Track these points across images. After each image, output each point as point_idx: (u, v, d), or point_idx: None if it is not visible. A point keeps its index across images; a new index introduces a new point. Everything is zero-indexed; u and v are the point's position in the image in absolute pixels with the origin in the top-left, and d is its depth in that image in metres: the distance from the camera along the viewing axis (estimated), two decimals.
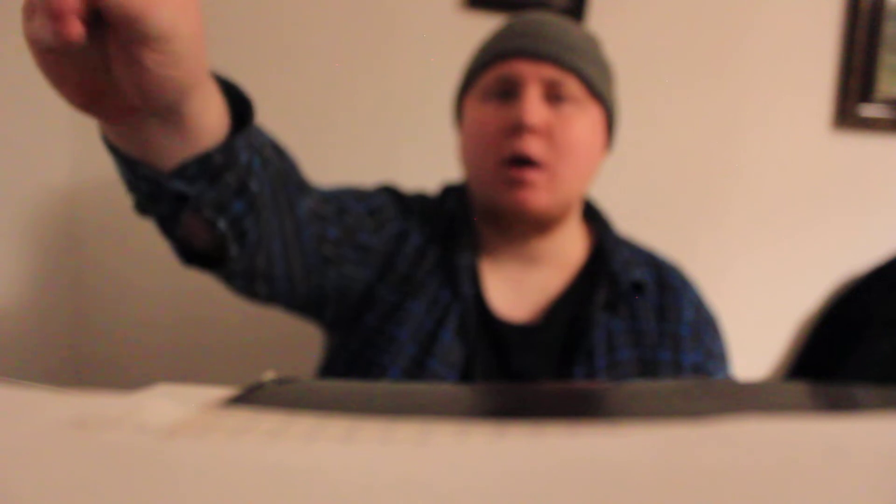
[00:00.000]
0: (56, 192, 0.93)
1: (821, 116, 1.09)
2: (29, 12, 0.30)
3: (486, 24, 1.01)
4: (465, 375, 0.62)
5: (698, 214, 1.08)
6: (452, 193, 0.73)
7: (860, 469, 0.14)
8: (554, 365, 0.64)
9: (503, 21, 0.69)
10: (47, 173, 0.92)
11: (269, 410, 0.19)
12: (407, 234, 0.67)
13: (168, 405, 0.18)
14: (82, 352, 0.98)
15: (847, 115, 1.08)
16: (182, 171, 0.40)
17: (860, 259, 1.12)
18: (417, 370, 0.61)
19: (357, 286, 0.64)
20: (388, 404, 0.24)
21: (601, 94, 0.64)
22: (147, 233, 0.99)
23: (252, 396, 0.23)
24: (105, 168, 0.95)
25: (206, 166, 0.41)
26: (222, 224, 0.44)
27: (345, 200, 0.65)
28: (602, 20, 0.99)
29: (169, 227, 0.45)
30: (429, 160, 0.99)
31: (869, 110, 1.07)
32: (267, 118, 0.97)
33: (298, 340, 0.98)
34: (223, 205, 0.43)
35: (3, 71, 0.80)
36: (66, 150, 0.93)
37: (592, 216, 0.74)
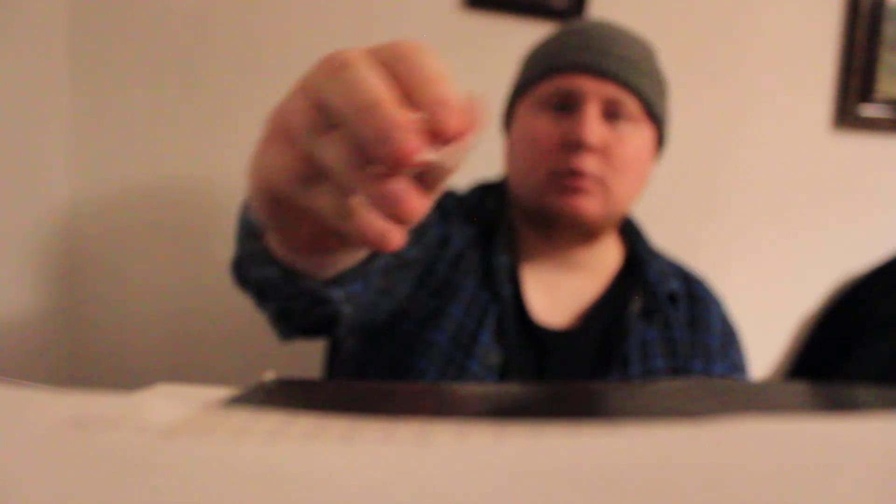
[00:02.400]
0: (56, 192, 0.93)
1: (821, 116, 1.09)
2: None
3: (486, 24, 1.02)
4: (503, 378, 0.62)
5: (699, 214, 1.08)
6: (491, 194, 0.73)
7: (860, 469, 0.14)
8: (589, 371, 0.64)
9: (562, 27, 0.68)
10: (48, 174, 0.92)
11: (269, 410, 0.19)
12: (448, 240, 0.67)
13: (168, 405, 0.18)
14: (82, 352, 0.98)
15: (847, 115, 1.08)
16: (339, 280, 0.40)
17: (860, 259, 1.12)
18: (456, 373, 0.61)
19: (401, 300, 0.64)
20: (388, 404, 0.24)
21: (657, 115, 0.65)
22: (146, 234, 0.99)
23: (252, 396, 0.23)
24: (103, 174, 0.95)
25: (361, 270, 0.41)
26: (348, 309, 0.45)
27: None
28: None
29: (288, 315, 0.46)
30: None
31: (869, 110, 1.07)
32: (267, 114, 0.97)
33: (298, 340, 0.98)
34: (350, 294, 0.44)
35: (3, 82, 0.80)
36: (66, 154, 0.93)
37: (625, 225, 0.74)
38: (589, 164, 0.60)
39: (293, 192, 0.26)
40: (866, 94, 1.07)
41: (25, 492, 0.12)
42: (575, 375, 0.64)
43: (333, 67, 0.24)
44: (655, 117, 0.64)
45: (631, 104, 0.62)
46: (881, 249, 1.11)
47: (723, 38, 1.05)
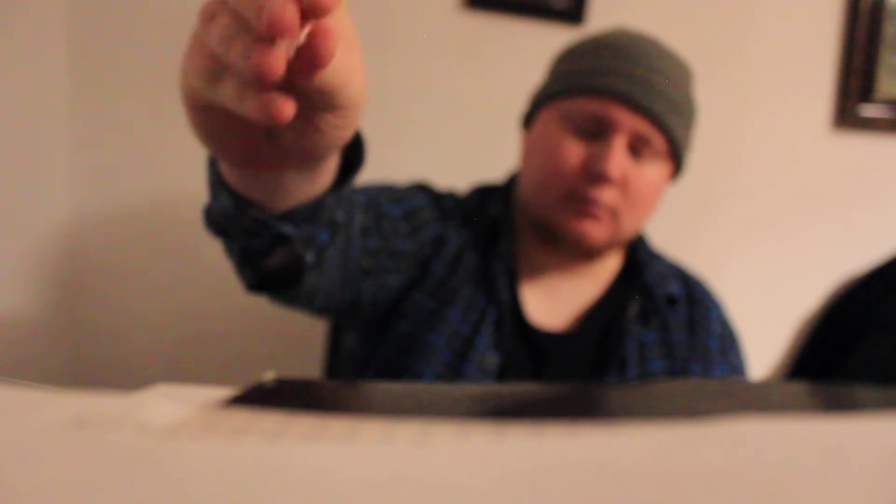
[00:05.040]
0: (58, 195, 0.93)
1: (821, 116, 1.09)
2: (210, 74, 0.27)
3: (486, 24, 1.02)
4: (500, 382, 0.62)
5: (698, 214, 1.08)
6: (493, 197, 0.72)
7: (860, 469, 0.14)
8: (586, 374, 0.64)
9: (606, 36, 0.65)
10: (49, 179, 0.92)
11: (269, 410, 0.19)
12: (444, 239, 0.67)
13: (168, 405, 0.18)
14: (83, 353, 0.98)
15: (847, 115, 1.08)
16: (292, 215, 0.40)
17: (860, 259, 1.12)
18: (453, 376, 0.61)
19: (391, 294, 0.64)
20: (389, 404, 0.24)
21: (680, 152, 0.64)
22: (146, 236, 0.99)
23: (252, 396, 0.23)
24: (104, 179, 0.95)
25: (318, 209, 0.41)
26: (310, 257, 0.45)
27: (382, 205, 0.63)
28: (602, 20, 0.99)
29: (249, 257, 0.45)
30: (428, 160, 0.99)
31: (869, 110, 1.07)
32: None
33: (298, 340, 0.98)
34: (313, 239, 0.44)
35: (5, 93, 0.80)
36: (67, 158, 0.93)
37: None
38: (605, 194, 0.60)
39: (204, 90, 0.28)
40: (866, 94, 1.07)
41: (25, 492, 0.12)
42: (572, 378, 0.64)
43: None
44: (678, 154, 0.64)
45: (658, 142, 0.61)
46: (881, 249, 1.11)
47: (723, 38, 1.05)
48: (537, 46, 0.89)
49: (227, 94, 0.27)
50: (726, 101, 1.05)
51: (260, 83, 0.25)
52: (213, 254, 0.98)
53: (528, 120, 0.69)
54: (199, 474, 0.13)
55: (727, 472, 0.14)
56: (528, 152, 0.68)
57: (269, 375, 0.27)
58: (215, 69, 0.27)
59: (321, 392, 0.28)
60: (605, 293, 0.68)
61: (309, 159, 0.35)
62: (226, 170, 0.39)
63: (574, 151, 0.61)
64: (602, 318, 0.67)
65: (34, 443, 0.15)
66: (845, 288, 1.11)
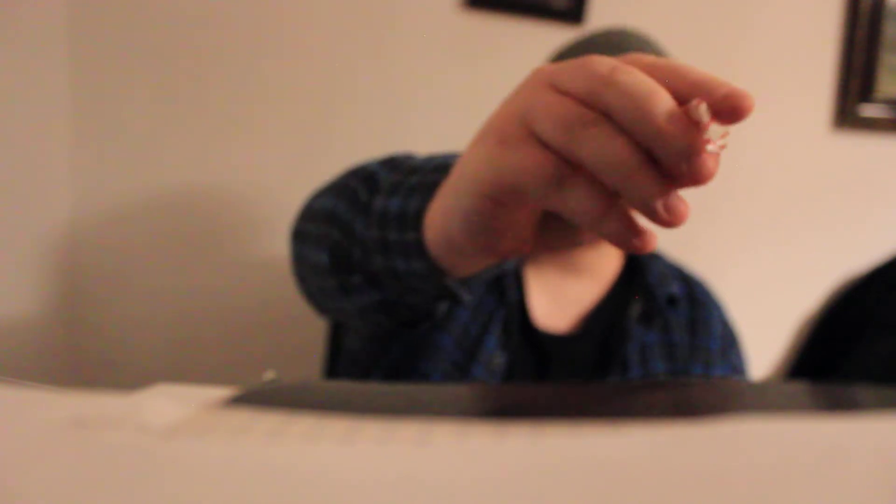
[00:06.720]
0: (58, 196, 0.93)
1: (821, 116, 1.09)
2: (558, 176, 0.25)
3: (486, 24, 1.02)
4: (506, 382, 0.62)
5: (698, 214, 1.07)
6: None
7: (860, 469, 0.14)
8: (589, 375, 0.65)
9: (597, 33, 0.67)
10: (50, 179, 0.92)
11: (269, 410, 0.19)
12: None
13: (168, 405, 0.18)
14: (83, 353, 0.98)
15: (847, 115, 1.08)
16: (468, 280, 0.40)
17: (860, 259, 1.12)
18: (461, 376, 0.61)
19: None
20: (389, 404, 0.23)
21: None
22: (146, 236, 0.99)
23: (252, 396, 0.23)
24: (105, 179, 0.95)
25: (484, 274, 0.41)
26: (444, 306, 0.46)
27: None
28: (602, 20, 0.99)
29: (389, 307, 0.46)
30: None
31: (869, 110, 1.07)
32: (267, 119, 0.97)
33: (298, 340, 0.98)
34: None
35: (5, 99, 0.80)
36: (68, 158, 0.93)
37: None
38: None
39: (544, 193, 0.26)
40: (866, 94, 1.07)
41: (25, 492, 0.12)
42: (575, 379, 0.64)
43: (596, 69, 0.23)
44: None
45: None
46: (881, 249, 1.11)
47: (722, 38, 1.05)
48: (537, 46, 0.89)
49: (577, 206, 0.25)
50: None
51: (660, 218, 0.23)
52: (214, 254, 0.98)
53: None
54: (199, 474, 0.13)
55: (727, 472, 0.14)
56: None
57: (269, 375, 0.27)
58: (568, 179, 0.25)
59: (321, 392, 0.28)
60: (607, 294, 0.69)
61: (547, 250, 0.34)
62: (440, 245, 0.36)
63: None
64: (604, 319, 0.67)
65: (34, 443, 0.15)
66: (845, 288, 1.11)
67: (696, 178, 0.23)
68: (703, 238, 1.08)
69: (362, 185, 0.45)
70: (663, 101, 0.22)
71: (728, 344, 0.70)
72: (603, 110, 0.23)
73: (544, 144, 0.25)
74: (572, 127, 0.24)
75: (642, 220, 0.25)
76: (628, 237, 0.24)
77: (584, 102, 0.24)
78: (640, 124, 0.22)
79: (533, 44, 0.94)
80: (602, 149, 0.23)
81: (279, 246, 0.94)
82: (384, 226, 0.40)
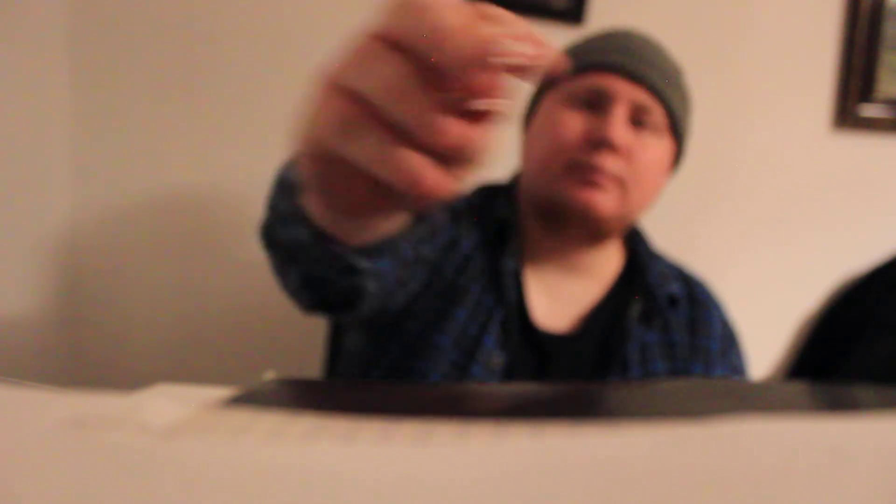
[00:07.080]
0: (58, 196, 0.93)
1: (821, 116, 1.09)
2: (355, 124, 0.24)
3: None
4: (505, 382, 0.62)
5: (698, 214, 1.08)
6: (498, 196, 0.72)
7: (860, 469, 0.14)
8: (589, 375, 0.64)
9: (600, 32, 0.68)
10: (49, 179, 0.92)
11: (269, 410, 0.19)
12: (456, 243, 0.67)
13: (168, 405, 0.18)
14: (83, 353, 0.98)
15: (847, 115, 1.08)
16: (367, 249, 0.40)
17: (860, 259, 1.12)
18: (459, 376, 0.61)
19: (409, 298, 0.64)
20: (389, 404, 0.23)
21: (680, 130, 0.65)
22: (146, 236, 0.99)
23: (252, 396, 0.23)
24: (104, 179, 0.95)
25: (392, 244, 0.41)
26: (373, 286, 0.45)
27: None
28: (602, 20, 0.99)
29: (312, 282, 0.45)
30: None
31: (869, 110, 1.07)
32: (267, 118, 0.97)
33: (298, 340, 0.98)
34: (378, 269, 0.44)
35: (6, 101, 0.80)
36: (68, 158, 0.93)
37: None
38: (610, 162, 0.60)
39: (336, 142, 0.25)
40: (866, 94, 1.07)
41: (26, 492, 0.12)
42: (575, 380, 0.64)
43: (406, 6, 0.22)
44: (678, 132, 0.65)
45: (658, 114, 0.62)
46: (881, 249, 1.11)
47: (723, 38, 1.05)
48: None
49: (367, 153, 0.24)
50: (726, 102, 1.05)
51: (438, 144, 0.22)
52: (213, 253, 0.98)
53: (528, 117, 0.69)
54: (200, 474, 0.13)
55: (727, 472, 0.14)
56: (530, 139, 0.68)
57: (269, 375, 0.27)
58: (354, 124, 0.24)
59: (321, 392, 0.28)
60: (607, 294, 0.68)
61: (414, 206, 0.34)
62: (318, 210, 0.36)
63: (575, 122, 0.62)
64: (604, 319, 0.66)
65: (34, 443, 0.15)
66: (845, 288, 1.11)
67: (476, 86, 0.21)
68: (703, 238, 1.08)
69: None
70: (450, 11, 0.21)
71: (728, 344, 0.70)
72: (393, 42, 0.23)
73: (345, 93, 0.25)
74: (359, 62, 0.23)
75: (432, 170, 0.24)
76: (415, 182, 0.23)
77: (386, 34, 0.23)
78: (418, 30, 0.22)
79: None
80: (376, 73, 0.22)
81: None
82: (278, 195, 0.41)
